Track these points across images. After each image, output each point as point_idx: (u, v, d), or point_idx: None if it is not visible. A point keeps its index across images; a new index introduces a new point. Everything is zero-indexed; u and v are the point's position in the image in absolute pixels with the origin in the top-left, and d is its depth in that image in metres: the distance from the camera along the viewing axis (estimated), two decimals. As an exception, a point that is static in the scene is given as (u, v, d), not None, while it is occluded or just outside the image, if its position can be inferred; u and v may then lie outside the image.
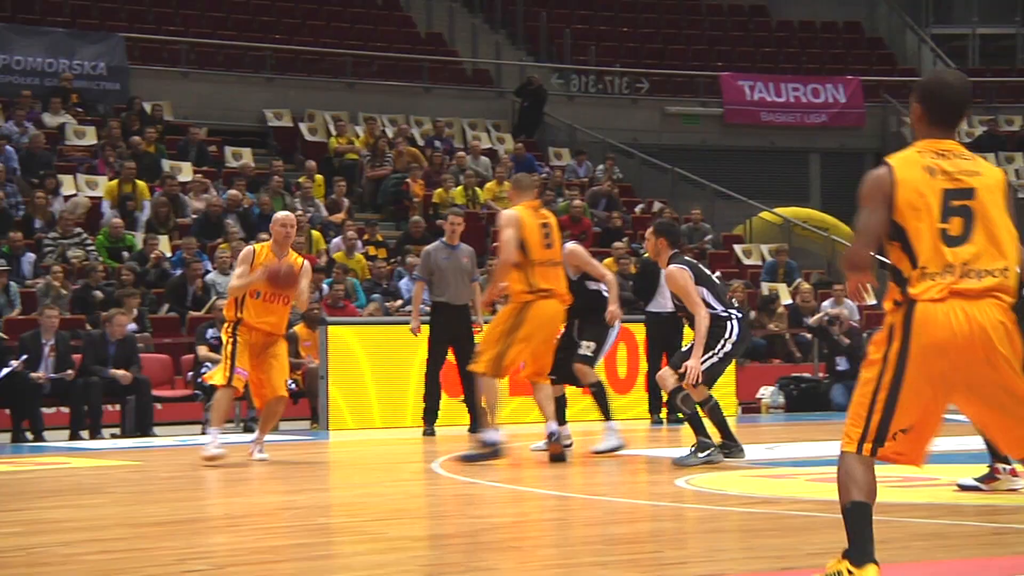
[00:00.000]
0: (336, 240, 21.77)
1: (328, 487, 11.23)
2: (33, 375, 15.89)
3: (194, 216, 21.52)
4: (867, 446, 5.10)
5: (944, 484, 9.05)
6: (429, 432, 15.35)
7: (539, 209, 11.72)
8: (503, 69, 30.39)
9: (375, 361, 16.66)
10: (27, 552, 7.07)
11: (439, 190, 24.19)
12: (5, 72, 24.50)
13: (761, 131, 31.40)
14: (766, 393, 20.16)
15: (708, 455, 10.92)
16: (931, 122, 5.26)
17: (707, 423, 11.14)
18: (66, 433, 16.07)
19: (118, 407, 16.65)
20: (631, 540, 7.44)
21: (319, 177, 23.77)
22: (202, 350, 16.96)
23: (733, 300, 11.82)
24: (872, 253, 5.19)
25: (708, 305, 11.02)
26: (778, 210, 27.91)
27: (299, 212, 20.94)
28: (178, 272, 19.65)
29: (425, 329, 15.47)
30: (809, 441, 13.80)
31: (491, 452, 11.37)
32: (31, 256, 19.52)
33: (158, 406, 16.88)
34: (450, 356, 15.49)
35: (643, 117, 30.98)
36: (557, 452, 11.54)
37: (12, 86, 24.17)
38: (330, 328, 16.64)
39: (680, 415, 11.93)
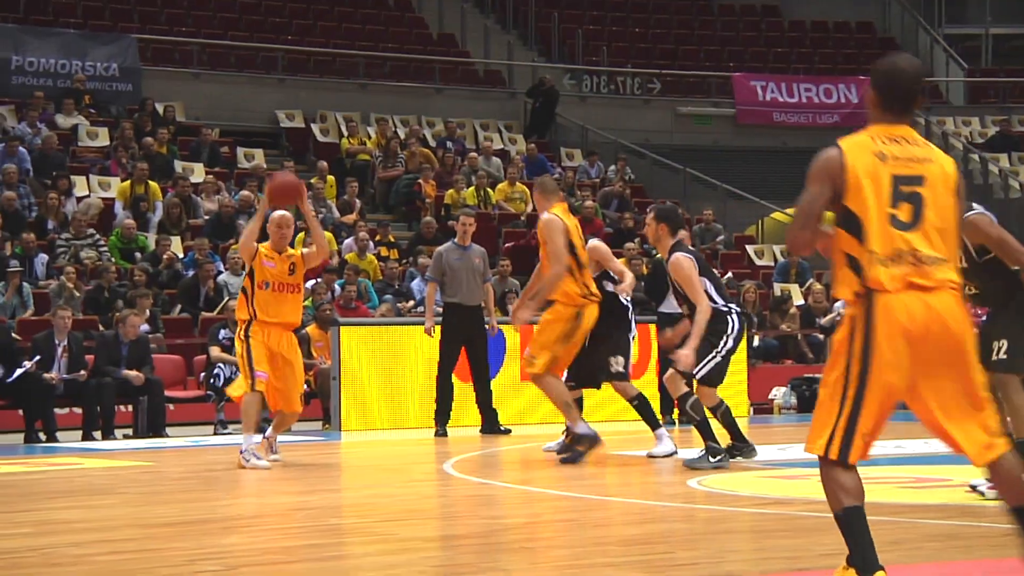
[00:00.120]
0: (348, 241, 21.77)
1: (340, 488, 11.23)
2: (46, 376, 15.90)
3: (206, 217, 21.55)
4: (834, 449, 4.99)
5: (957, 485, 9.02)
6: (441, 433, 15.33)
7: (568, 211, 11.69)
8: (515, 70, 30.35)
9: (385, 362, 16.64)
10: (39, 552, 7.08)
11: (451, 191, 24.18)
12: (18, 73, 24.53)
13: (773, 131, 31.36)
14: (778, 394, 20.13)
15: (719, 460, 10.86)
16: (884, 107, 5.24)
17: (716, 425, 11.08)
18: (78, 434, 16.08)
19: (130, 408, 16.66)
20: (643, 541, 7.44)
21: (331, 178, 23.79)
22: (214, 351, 16.97)
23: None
24: (813, 232, 5.09)
25: (710, 298, 10.89)
26: (790, 210, 27.85)
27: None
28: (190, 273, 19.65)
29: (437, 330, 15.47)
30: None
31: (588, 443, 11.30)
32: (44, 257, 19.54)
33: (170, 407, 16.88)
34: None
35: (655, 117, 30.96)
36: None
37: (25, 87, 24.21)
38: (342, 329, 16.64)
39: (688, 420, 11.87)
